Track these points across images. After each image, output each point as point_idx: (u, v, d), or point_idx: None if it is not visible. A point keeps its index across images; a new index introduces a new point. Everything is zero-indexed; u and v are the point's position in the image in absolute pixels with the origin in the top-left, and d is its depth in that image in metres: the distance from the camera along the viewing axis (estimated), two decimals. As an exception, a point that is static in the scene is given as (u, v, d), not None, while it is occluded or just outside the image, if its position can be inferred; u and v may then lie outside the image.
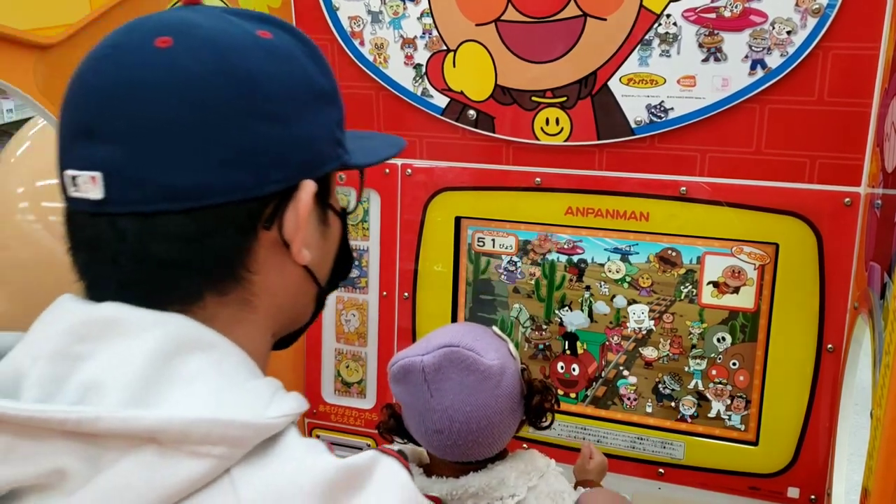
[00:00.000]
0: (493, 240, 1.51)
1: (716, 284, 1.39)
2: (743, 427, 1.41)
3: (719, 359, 1.41)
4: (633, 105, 1.35)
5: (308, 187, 0.66)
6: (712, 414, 1.43)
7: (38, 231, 1.43)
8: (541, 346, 1.53)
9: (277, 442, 0.58)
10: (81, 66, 0.64)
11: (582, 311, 1.48)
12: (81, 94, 0.62)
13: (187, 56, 0.61)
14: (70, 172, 0.61)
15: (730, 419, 1.42)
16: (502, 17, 1.37)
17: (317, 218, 0.70)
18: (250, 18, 0.67)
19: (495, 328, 1.16)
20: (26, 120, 1.72)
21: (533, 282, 1.50)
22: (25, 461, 0.54)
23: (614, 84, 1.35)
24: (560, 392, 1.52)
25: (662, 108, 1.33)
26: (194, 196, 0.61)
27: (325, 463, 0.57)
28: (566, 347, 1.51)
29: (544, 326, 1.51)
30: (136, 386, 0.56)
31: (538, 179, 1.44)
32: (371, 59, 1.49)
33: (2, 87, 0.97)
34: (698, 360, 1.43)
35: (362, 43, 1.48)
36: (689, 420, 1.44)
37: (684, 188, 1.36)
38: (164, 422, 0.54)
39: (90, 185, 0.60)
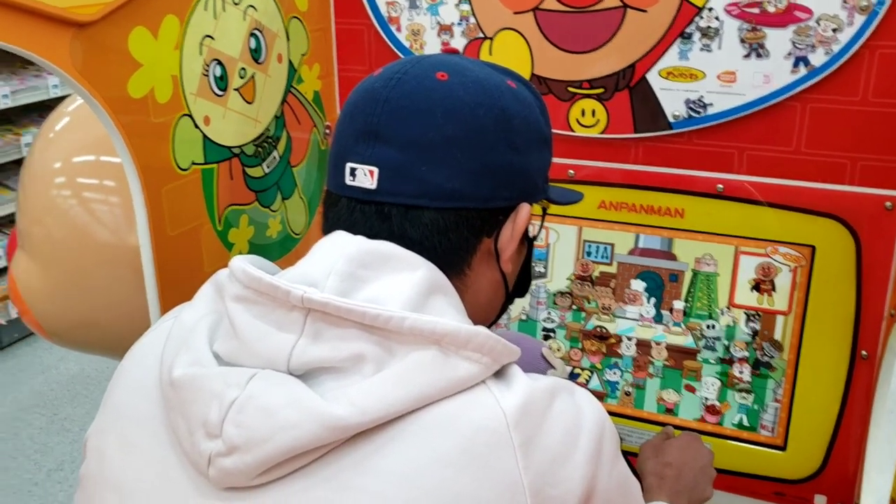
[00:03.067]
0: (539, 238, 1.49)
1: (752, 285, 1.36)
2: (771, 432, 1.39)
3: (750, 360, 1.39)
4: (672, 99, 1.33)
5: (526, 209, 0.83)
6: (740, 417, 1.40)
7: (73, 207, 1.44)
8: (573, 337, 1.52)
9: (509, 368, 0.72)
10: (372, 82, 0.81)
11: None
12: (372, 104, 0.78)
13: (460, 88, 0.78)
14: (351, 164, 0.78)
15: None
16: (541, 6, 1.36)
17: (519, 237, 0.84)
18: (501, 71, 0.85)
19: (545, 350, 1.16)
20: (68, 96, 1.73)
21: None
22: (332, 344, 0.68)
23: (653, 77, 1.33)
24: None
25: (701, 104, 1.31)
26: (448, 197, 0.77)
27: (546, 380, 0.73)
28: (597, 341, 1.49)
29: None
30: (408, 306, 0.69)
31: (572, 172, 1.43)
32: (407, 45, 1.48)
33: (40, 64, 0.97)
34: (727, 363, 1.40)
35: (399, 28, 1.47)
36: (716, 422, 1.42)
37: (721, 186, 1.33)
38: (453, 328, 0.68)
39: (366, 177, 0.77)
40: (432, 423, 0.66)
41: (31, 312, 1.53)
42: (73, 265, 1.49)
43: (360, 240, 0.75)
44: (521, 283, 0.93)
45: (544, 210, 0.94)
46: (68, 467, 2.97)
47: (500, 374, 0.71)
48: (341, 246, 0.74)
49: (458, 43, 1.44)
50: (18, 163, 3.98)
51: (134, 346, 0.85)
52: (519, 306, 1.54)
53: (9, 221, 3.91)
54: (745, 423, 1.41)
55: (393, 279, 0.72)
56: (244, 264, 0.73)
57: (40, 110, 4.08)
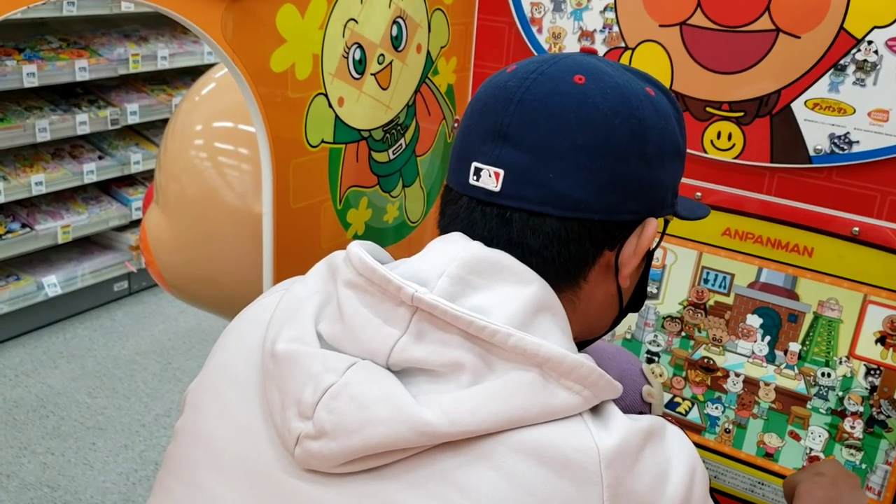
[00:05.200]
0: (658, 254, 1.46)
1: (877, 338, 1.28)
2: (878, 496, 1.30)
3: (864, 416, 1.31)
4: (815, 132, 1.26)
5: (653, 224, 0.80)
6: (845, 473, 1.33)
7: (208, 169, 1.51)
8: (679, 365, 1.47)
9: (607, 405, 0.70)
10: (505, 79, 0.78)
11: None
12: (504, 103, 0.76)
13: (597, 94, 0.74)
14: (477, 164, 0.76)
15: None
16: (688, 21, 1.32)
17: (642, 254, 0.81)
18: (640, 77, 0.82)
19: (645, 366, 1.13)
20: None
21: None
22: (433, 347, 0.67)
23: (798, 106, 1.27)
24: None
25: (847, 140, 1.24)
26: (572, 207, 0.74)
27: (642, 421, 0.70)
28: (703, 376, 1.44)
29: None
30: (514, 321, 0.68)
31: (699, 194, 1.38)
32: (546, 47, 1.47)
33: (193, 31, 1.02)
34: (838, 415, 1.33)
35: (540, 30, 1.47)
36: (819, 474, 1.35)
37: (857, 228, 1.26)
38: (558, 355, 0.66)
39: (491, 179, 0.75)
40: (522, 447, 0.64)
41: (156, 263, 1.61)
42: (200, 223, 1.56)
43: (478, 245, 0.74)
44: (636, 299, 0.90)
45: (666, 223, 0.90)
46: (174, 415, 3.12)
47: (597, 409, 0.69)
48: (458, 248, 0.73)
49: (599, 51, 1.42)
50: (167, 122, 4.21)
51: (243, 311, 0.87)
52: (625, 324, 1.51)
53: (153, 175, 4.14)
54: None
55: (503, 291, 0.71)
56: (361, 251, 0.72)
57: (194, 74, 4.29)
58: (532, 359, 0.66)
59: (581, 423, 0.67)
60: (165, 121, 4.26)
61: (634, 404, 1.18)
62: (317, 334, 0.72)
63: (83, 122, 3.68)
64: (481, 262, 0.72)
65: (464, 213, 0.78)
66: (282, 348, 0.71)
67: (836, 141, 1.25)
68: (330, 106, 1.25)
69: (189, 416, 0.80)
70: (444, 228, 0.81)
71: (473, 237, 0.76)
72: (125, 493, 2.70)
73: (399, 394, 0.66)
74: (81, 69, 3.59)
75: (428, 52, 1.45)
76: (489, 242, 0.75)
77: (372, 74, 1.32)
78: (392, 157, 1.44)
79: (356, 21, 1.25)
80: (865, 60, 1.20)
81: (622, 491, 0.65)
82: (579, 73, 0.76)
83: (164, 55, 3.96)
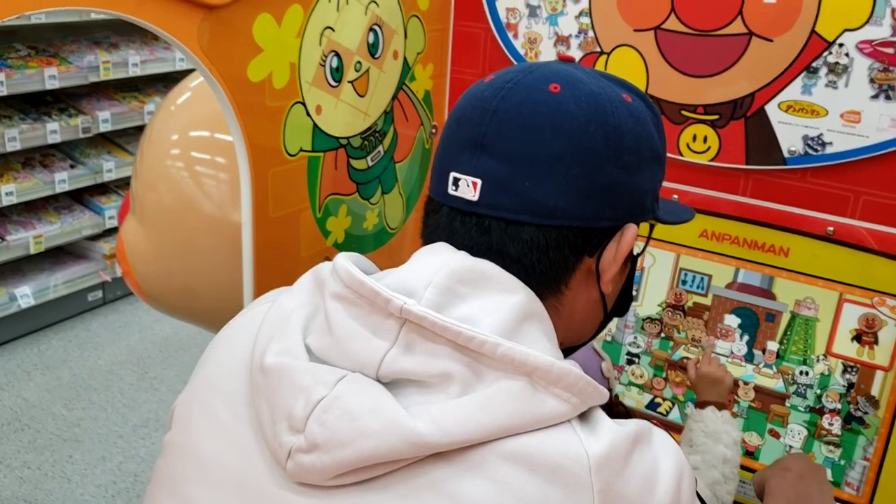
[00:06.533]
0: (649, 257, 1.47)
1: (853, 335, 1.30)
2: (856, 490, 1.32)
3: (841, 413, 1.33)
4: (789, 133, 1.28)
5: (633, 230, 0.79)
6: (824, 469, 1.34)
7: (184, 178, 1.50)
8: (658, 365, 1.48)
9: (594, 411, 0.71)
10: (482, 89, 0.79)
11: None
12: (480, 112, 0.77)
13: (572, 102, 0.75)
14: (455, 174, 0.77)
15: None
16: (663, 25, 1.33)
17: (622, 259, 0.81)
18: (617, 83, 0.81)
19: (596, 344, 1.14)
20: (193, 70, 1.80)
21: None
22: (422, 358, 0.67)
23: (772, 109, 1.28)
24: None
25: (820, 142, 1.26)
26: (551, 215, 0.74)
27: (627, 426, 0.70)
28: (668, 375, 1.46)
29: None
30: (501, 331, 0.68)
31: (675, 197, 1.39)
32: (522, 52, 1.48)
33: (170, 43, 1.02)
34: (817, 412, 1.35)
35: (516, 35, 1.47)
36: (798, 471, 1.36)
37: (831, 228, 1.28)
38: (546, 363, 0.67)
39: (469, 189, 0.76)
40: (513, 455, 0.65)
41: (134, 274, 1.60)
42: (177, 232, 1.55)
43: (463, 256, 0.74)
44: (620, 303, 0.90)
45: (651, 228, 0.91)
46: (152, 425, 3.09)
47: (584, 415, 0.70)
48: (444, 259, 0.74)
49: (574, 55, 1.43)
50: (140, 129, 4.17)
51: (229, 323, 0.87)
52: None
53: (126, 183, 4.10)
54: (830, 477, 1.35)
55: (490, 300, 0.71)
56: (348, 264, 0.72)
57: (166, 81, 4.26)
58: (521, 368, 0.67)
59: (570, 429, 0.67)
60: (138, 128, 4.22)
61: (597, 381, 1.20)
62: (305, 347, 0.72)
63: (54, 130, 3.63)
64: (467, 272, 0.72)
65: (444, 222, 0.79)
66: (271, 362, 0.71)
67: (809, 142, 1.27)
68: (308, 114, 1.25)
69: (178, 431, 0.80)
70: (426, 238, 0.81)
71: (455, 247, 0.77)
72: (104, 506, 2.67)
73: (390, 405, 0.66)
74: (51, 77, 3.55)
75: (405, 59, 1.45)
76: (471, 251, 0.75)
77: (349, 82, 1.32)
78: (370, 164, 1.44)
79: (332, 29, 1.25)
80: (837, 63, 1.22)
81: (612, 496, 0.65)
82: (555, 82, 0.76)
83: (135, 62, 3.93)
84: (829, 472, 1.28)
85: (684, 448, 1.14)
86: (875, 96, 1.20)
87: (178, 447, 0.78)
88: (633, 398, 1.52)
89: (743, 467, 1.36)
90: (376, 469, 0.66)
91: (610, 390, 1.25)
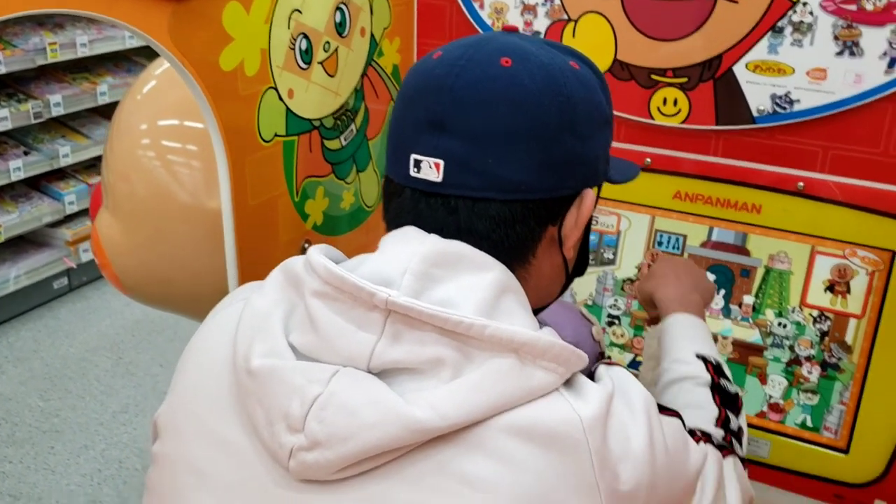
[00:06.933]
0: (597, 218, 1.49)
1: (826, 286, 1.34)
2: (835, 434, 1.38)
3: (818, 360, 1.37)
4: (757, 93, 1.30)
5: (591, 196, 0.82)
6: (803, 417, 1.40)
7: (157, 168, 1.48)
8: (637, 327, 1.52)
9: (577, 376, 0.74)
10: (432, 66, 0.78)
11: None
12: (436, 92, 0.76)
13: (525, 76, 0.76)
14: (416, 156, 0.76)
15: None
16: (629, -9, 1.34)
17: (583, 225, 0.83)
18: (562, 50, 0.82)
19: (583, 309, 1.16)
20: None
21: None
22: (410, 347, 0.69)
23: (739, 69, 1.30)
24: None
25: (788, 99, 1.28)
26: (515, 189, 0.76)
27: (603, 382, 0.74)
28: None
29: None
30: (482, 309, 0.70)
31: (648, 160, 1.41)
32: (489, 23, 1.47)
33: (140, 38, 1.00)
34: (795, 363, 1.39)
35: (482, 6, 1.47)
36: (779, 420, 1.41)
37: (802, 183, 1.31)
38: (532, 338, 0.69)
39: (432, 170, 0.76)
40: (510, 429, 0.67)
41: (111, 266, 1.58)
42: (152, 223, 1.53)
43: (434, 238, 0.75)
44: (579, 264, 0.93)
45: (599, 187, 0.91)
46: (132, 410, 3.08)
47: (568, 382, 0.73)
48: (416, 244, 0.74)
49: (541, 24, 1.43)
50: (94, 111, 4.07)
51: (201, 326, 0.86)
52: (586, 291, 1.54)
53: (84, 167, 4.02)
54: (809, 423, 1.40)
55: (466, 280, 0.73)
56: (323, 259, 0.72)
57: (116, 60, 4.16)
58: (508, 345, 0.69)
59: (560, 397, 0.70)
60: (92, 110, 4.12)
61: (588, 348, 1.22)
62: (290, 346, 0.72)
63: (4, 117, 3.53)
64: (440, 254, 0.73)
65: (409, 204, 0.79)
66: (258, 364, 0.70)
67: (777, 101, 1.29)
68: (280, 99, 1.24)
69: (167, 441, 0.79)
70: (390, 221, 0.81)
71: (423, 228, 0.77)
72: (91, 495, 2.67)
73: (386, 396, 0.67)
74: (-3, 63, 3.45)
75: (372, 35, 1.44)
76: (440, 232, 0.76)
77: (319, 63, 1.31)
78: (344, 143, 1.43)
79: (300, 11, 1.23)
80: (801, 21, 1.24)
81: (606, 452, 0.69)
82: (505, 56, 0.77)
83: (83, 42, 3.82)
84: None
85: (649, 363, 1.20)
86: (840, 53, 1.22)
87: (169, 458, 0.78)
88: (616, 358, 1.55)
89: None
90: (379, 458, 0.67)
91: (602, 353, 1.27)
